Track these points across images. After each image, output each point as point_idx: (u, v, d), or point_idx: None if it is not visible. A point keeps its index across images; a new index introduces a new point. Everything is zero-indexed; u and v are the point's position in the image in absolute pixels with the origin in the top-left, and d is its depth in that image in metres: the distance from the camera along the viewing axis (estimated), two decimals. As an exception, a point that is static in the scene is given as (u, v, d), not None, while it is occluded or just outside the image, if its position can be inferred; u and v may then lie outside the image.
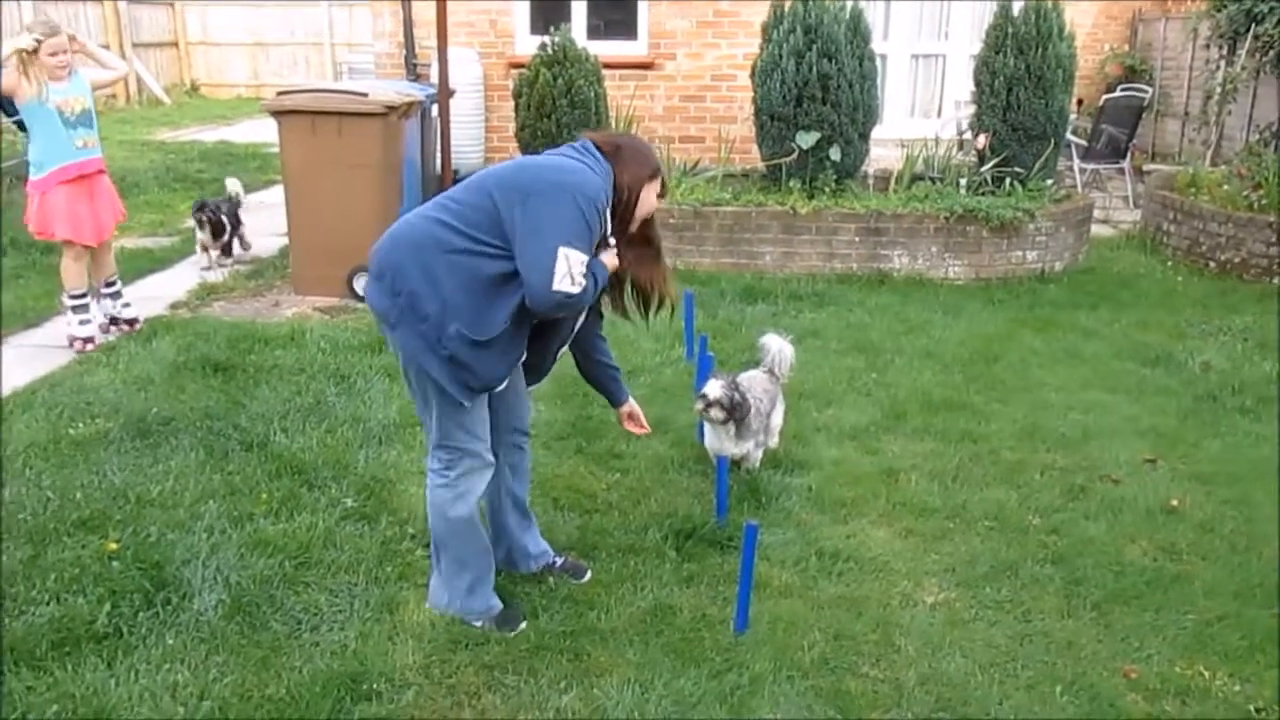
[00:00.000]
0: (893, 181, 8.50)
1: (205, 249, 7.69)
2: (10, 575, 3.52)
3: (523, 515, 3.65)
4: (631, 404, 3.74)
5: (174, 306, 6.89)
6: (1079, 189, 10.09)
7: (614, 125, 8.52)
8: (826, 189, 8.04)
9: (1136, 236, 9.35)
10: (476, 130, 10.19)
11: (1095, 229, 8.92)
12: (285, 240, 7.60)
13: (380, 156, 6.79)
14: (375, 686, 3.07)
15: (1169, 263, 8.58)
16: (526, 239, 2.94)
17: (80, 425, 4.74)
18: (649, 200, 3.27)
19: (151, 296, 7.08)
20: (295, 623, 3.36)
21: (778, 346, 4.67)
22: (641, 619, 3.47)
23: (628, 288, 3.42)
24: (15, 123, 7.22)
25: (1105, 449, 4.88)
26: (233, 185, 8.29)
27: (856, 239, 7.84)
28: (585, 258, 2.99)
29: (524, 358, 3.28)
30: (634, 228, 3.29)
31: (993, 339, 6.51)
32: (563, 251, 2.92)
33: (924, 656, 3.33)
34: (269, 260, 8.02)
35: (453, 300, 2.99)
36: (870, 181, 8.65)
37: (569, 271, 2.92)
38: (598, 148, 3.19)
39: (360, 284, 6.68)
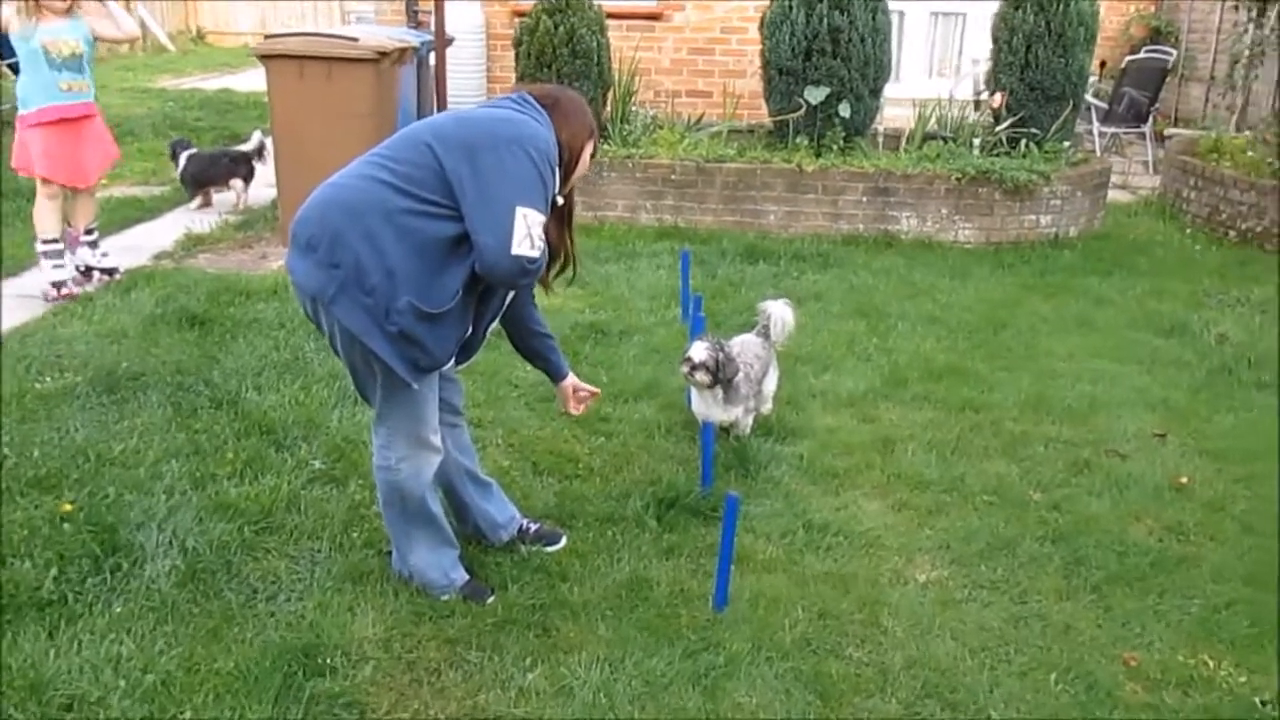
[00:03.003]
0: (904, 141, 8.23)
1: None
2: (-42, 534, 3.38)
3: (480, 485, 3.45)
4: (573, 378, 3.50)
5: (158, 257, 6.71)
6: (1097, 153, 9.79)
7: (617, 78, 8.25)
8: (834, 147, 7.78)
9: (1155, 203, 9.06)
10: (477, 80, 9.94)
11: (1113, 194, 8.63)
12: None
13: (372, 105, 6.56)
14: (330, 660, 2.91)
15: (1187, 230, 8.30)
16: (479, 199, 2.71)
17: (48, 379, 4.58)
18: (585, 160, 3.06)
19: (136, 246, 6.90)
20: (251, 591, 3.20)
21: (778, 311, 4.46)
22: (616, 592, 3.30)
23: None
24: (10, 65, 7.05)
25: (1113, 422, 4.67)
26: (257, 138, 8.06)
27: (864, 199, 7.60)
28: (543, 217, 2.77)
29: (470, 330, 3.03)
30: (567, 188, 3.05)
31: (1001, 305, 6.28)
32: (520, 211, 2.69)
33: (912, 638, 3.15)
34: (260, 211, 7.82)
35: (402, 269, 2.74)
36: (880, 140, 8.38)
37: (529, 233, 2.70)
38: (536, 100, 2.95)
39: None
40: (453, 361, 3.14)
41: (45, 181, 5.77)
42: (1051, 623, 3.24)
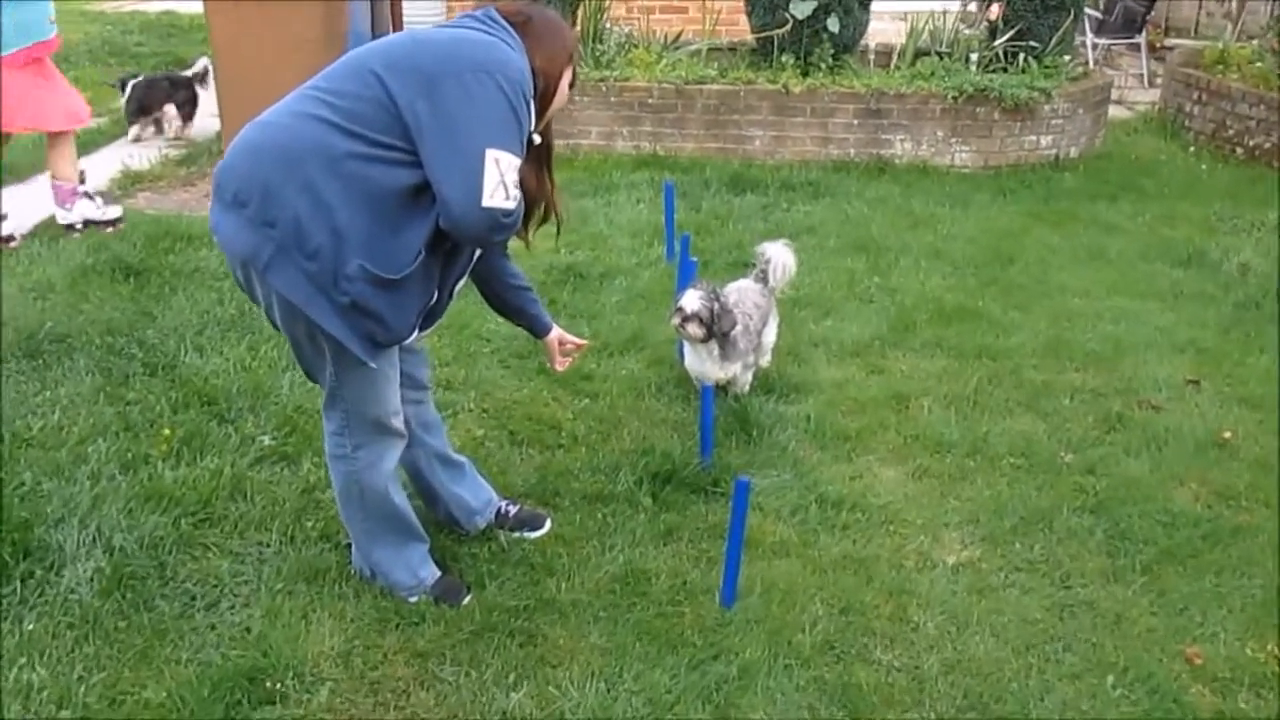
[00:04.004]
0: (894, 57, 7.69)
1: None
2: None
3: (450, 467, 3.02)
4: (558, 330, 3.06)
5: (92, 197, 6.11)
6: (1089, 65, 9.30)
7: (587, -9, 7.63)
8: (823, 65, 7.24)
9: (1155, 119, 8.62)
10: (436, 8, 9.24)
11: (1111, 111, 8.18)
12: (221, 122, 6.80)
13: (319, 30, 5.98)
14: (280, 685, 2.50)
15: (1191, 148, 7.88)
16: (440, 141, 2.23)
17: (-40, 342, 4.07)
18: (564, 88, 2.56)
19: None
20: (188, 599, 2.77)
21: (777, 254, 4.01)
22: (609, 588, 2.90)
23: None
24: None
25: (1140, 367, 4.29)
26: (202, 63, 7.40)
27: (855, 122, 7.10)
28: (518, 160, 2.29)
29: (435, 296, 2.55)
30: (543, 124, 2.57)
31: (1006, 235, 5.86)
32: (491, 155, 2.21)
33: (946, 636, 2.78)
34: (205, 145, 7.21)
35: (350, 227, 2.26)
36: (871, 58, 7.84)
37: (501, 180, 2.23)
38: (505, 18, 2.44)
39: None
40: (416, 330, 2.68)
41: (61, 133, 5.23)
42: (1101, 611, 2.88)
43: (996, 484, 3.45)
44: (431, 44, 2.32)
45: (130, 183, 6.35)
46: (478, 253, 2.64)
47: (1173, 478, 3.50)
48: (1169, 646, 2.76)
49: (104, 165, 6.70)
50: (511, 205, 2.27)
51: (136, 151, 6.86)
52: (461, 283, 2.72)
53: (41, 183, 6.26)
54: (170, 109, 7.19)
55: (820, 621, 2.80)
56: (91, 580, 2.77)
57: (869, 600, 2.89)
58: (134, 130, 7.25)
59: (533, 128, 2.44)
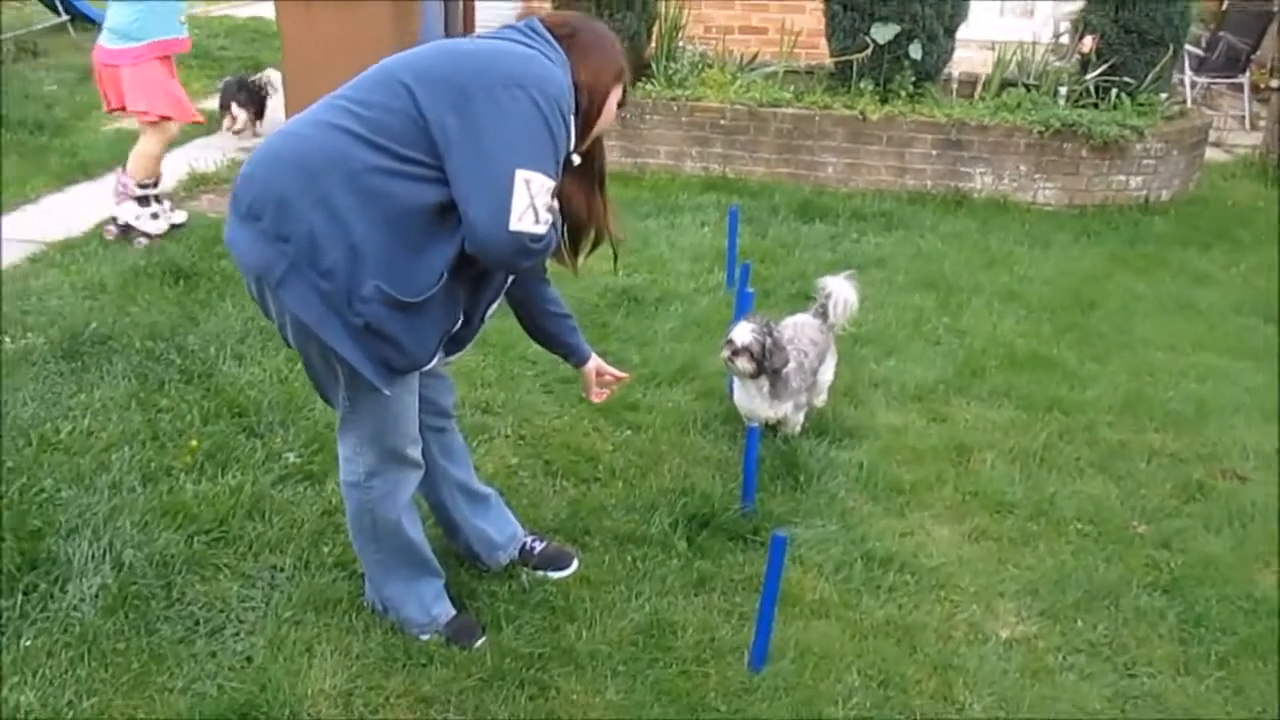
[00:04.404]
0: (979, 87, 7.42)
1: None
2: None
3: (474, 499, 2.87)
4: (596, 360, 2.90)
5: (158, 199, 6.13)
6: (1187, 104, 8.90)
7: (664, 9, 7.50)
8: (903, 93, 7.00)
9: (1256, 163, 8.19)
10: (510, 10, 9.19)
11: (1207, 153, 7.79)
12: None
13: (391, 39, 5.91)
14: (274, 723, 2.37)
15: (1293, 195, 7.47)
16: (468, 159, 2.09)
17: (7, 340, 4.05)
18: (612, 107, 2.40)
19: (136, 184, 6.32)
20: (192, 623, 2.66)
21: (839, 290, 3.81)
22: (632, 639, 2.72)
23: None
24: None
25: (1226, 431, 3.98)
26: (270, 75, 7.49)
27: (933, 152, 6.84)
28: (551, 183, 2.14)
29: (460, 321, 2.42)
30: (586, 145, 2.42)
31: (1088, 279, 5.56)
32: (521, 175, 2.06)
33: (994, 720, 2.55)
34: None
35: (368, 245, 2.13)
36: (954, 87, 7.57)
37: (531, 203, 2.07)
38: (549, 30, 2.29)
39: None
40: (440, 355, 2.54)
41: (161, 124, 5.20)
42: (1168, 706, 2.62)
43: (1060, 552, 3.20)
44: (465, 55, 2.18)
45: (195, 184, 6.36)
46: (511, 276, 2.49)
47: (1257, 558, 3.21)
48: (1245, 752, 2.50)
49: (171, 168, 6.71)
50: (542, 230, 2.12)
51: (202, 155, 6.88)
52: (495, 307, 2.58)
53: (110, 182, 6.32)
54: (239, 111, 7.25)
55: (855, 694, 2.58)
56: (96, 597, 2.67)
57: (911, 674, 2.67)
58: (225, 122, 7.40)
59: (573, 148, 2.29)
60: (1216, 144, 8.75)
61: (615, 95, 2.40)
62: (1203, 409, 4.14)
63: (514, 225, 2.07)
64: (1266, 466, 3.75)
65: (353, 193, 2.11)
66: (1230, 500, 3.50)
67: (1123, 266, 5.80)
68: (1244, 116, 9.53)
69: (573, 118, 2.26)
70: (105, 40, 5.05)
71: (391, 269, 2.15)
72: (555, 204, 2.34)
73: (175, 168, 6.68)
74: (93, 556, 2.79)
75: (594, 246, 2.63)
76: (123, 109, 5.18)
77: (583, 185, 2.50)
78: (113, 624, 2.60)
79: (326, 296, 2.15)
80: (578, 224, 2.55)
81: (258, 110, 7.34)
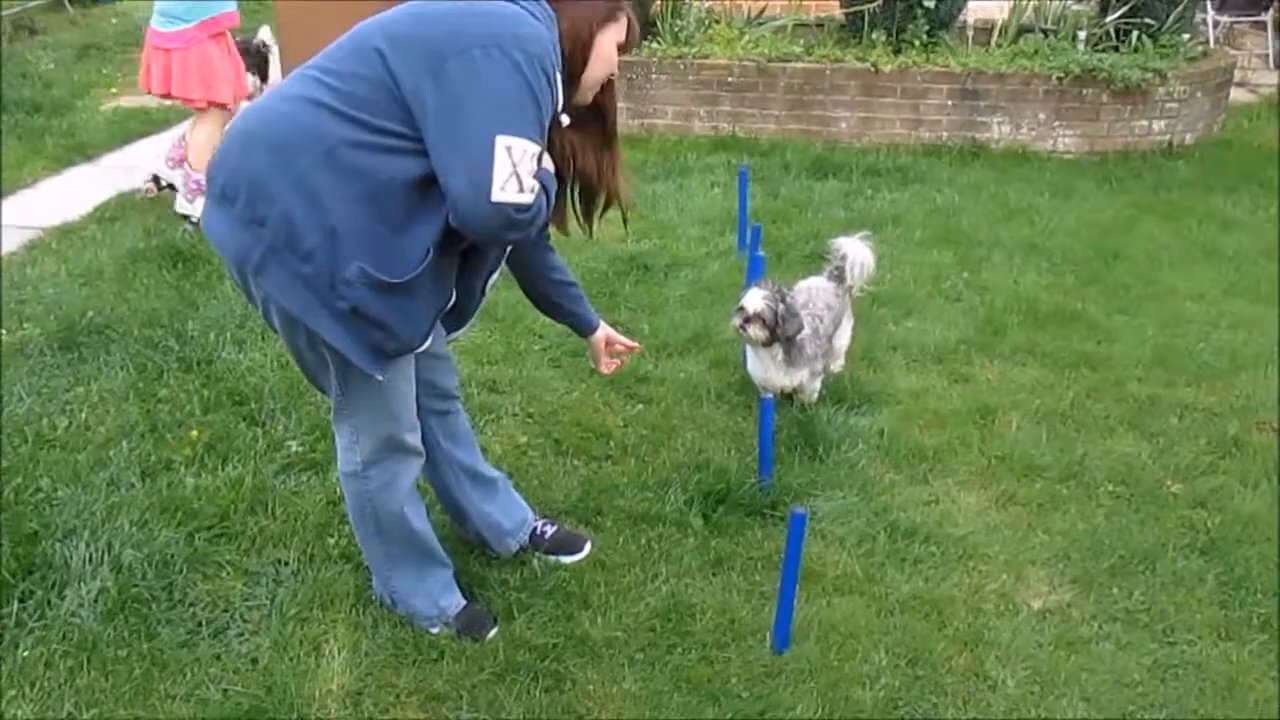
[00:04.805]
0: (995, 34, 7.20)
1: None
2: None
3: (481, 484, 2.75)
4: (605, 329, 2.77)
5: (158, 179, 6.03)
6: (1209, 45, 8.63)
7: (666, -35, 7.30)
8: (916, 42, 6.80)
9: (1281, 102, 7.96)
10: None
11: (1231, 94, 7.55)
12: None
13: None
14: (281, 727, 2.29)
15: (1321, 134, 7.24)
16: (445, 127, 1.95)
17: (4, 333, 3.96)
18: (605, 53, 2.23)
19: (135, 166, 6.21)
20: (194, 624, 2.57)
21: (855, 252, 3.67)
22: (649, 624, 2.62)
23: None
24: None
25: (1259, 383, 3.84)
26: (264, 34, 7.31)
27: (949, 103, 6.65)
28: (536, 149, 2.00)
29: (453, 299, 2.31)
30: (586, 96, 2.27)
31: (1111, 229, 5.39)
32: (502, 142, 1.93)
33: (1029, 698, 2.44)
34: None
35: (349, 225, 2.01)
36: (969, 34, 7.35)
37: (514, 171, 1.94)
38: None
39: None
40: (439, 332, 2.43)
41: (212, 111, 5.07)
42: (1211, 674, 2.51)
43: (1092, 516, 3.08)
44: (441, 16, 2.02)
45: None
46: (509, 247, 2.37)
47: (1298, 515, 3.08)
48: (1292, 722, 2.38)
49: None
50: (527, 199, 1.99)
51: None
52: (495, 278, 2.47)
53: (108, 163, 6.23)
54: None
55: (884, 674, 2.48)
56: (95, 601, 2.59)
57: (940, 650, 2.56)
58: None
59: (561, 106, 2.15)
60: (1240, 84, 8.49)
61: (607, 38, 2.22)
62: (1235, 360, 3.99)
63: (496, 196, 1.94)
64: (1304, 418, 3.61)
65: (329, 170, 1.99)
66: (1266, 455, 3.37)
67: (1147, 214, 5.62)
68: (1268, 55, 9.24)
69: (559, 74, 2.11)
70: (156, 23, 4.90)
71: (375, 249, 2.03)
72: (551, 168, 2.23)
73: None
74: (91, 559, 2.71)
75: (605, 209, 2.50)
76: (168, 94, 5.05)
77: (592, 141, 2.36)
78: (113, 629, 2.52)
79: (308, 281, 2.03)
80: (589, 184, 2.42)
81: (263, 73, 7.18)
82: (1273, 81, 8.62)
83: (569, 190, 2.41)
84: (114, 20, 10.68)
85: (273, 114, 2.06)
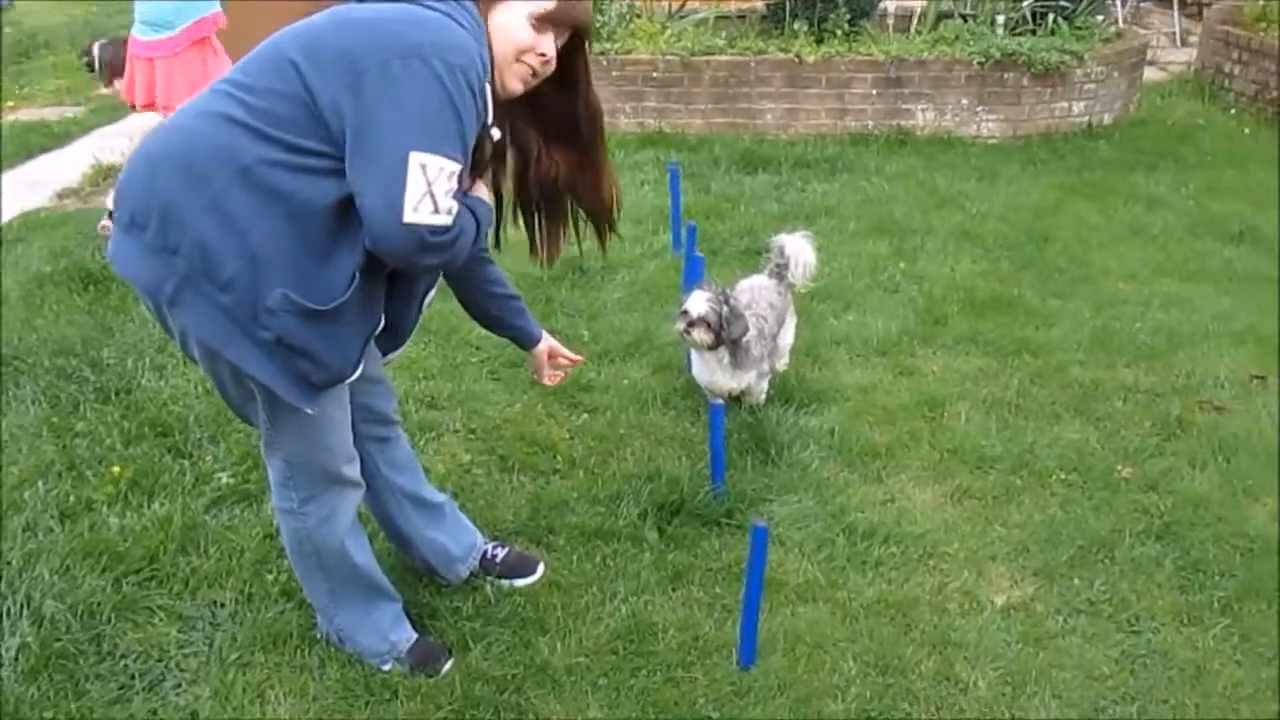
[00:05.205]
0: (915, 21, 7.24)
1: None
2: None
3: (425, 510, 2.62)
4: (549, 340, 2.67)
5: (62, 195, 5.79)
6: (1119, 24, 8.80)
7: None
8: (838, 31, 6.80)
9: (1191, 80, 8.16)
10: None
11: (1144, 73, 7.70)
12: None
13: None
14: (227, 785, 2.15)
15: (1231, 111, 7.44)
16: (360, 142, 1.82)
17: (-100, 370, 3.72)
18: (503, 25, 2.01)
19: (37, 182, 5.97)
20: (127, 678, 2.41)
21: (797, 251, 3.61)
22: (611, 647, 2.52)
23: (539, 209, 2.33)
24: None
25: (1198, 360, 3.88)
26: None
27: (873, 92, 6.66)
28: (455, 167, 1.86)
29: (381, 323, 2.17)
30: (510, 86, 2.06)
31: (1040, 212, 5.44)
32: (416, 159, 1.80)
33: (1001, 699, 2.40)
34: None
35: (269, 250, 1.87)
36: (890, 23, 7.38)
37: (429, 191, 1.81)
38: None
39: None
40: (374, 355, 2.30)
41: None
42: (1178, 662, 2.49)
43: (1047, 506, 3.06)
44: (359, 25, 1.88)
45: (102, 177, 5.98)
46: None
47: (1245, 493, 3.10)
48: (1259, 706, 2.37)
49: (76, 160, 6.33)
50: (443, 220, 1.85)
51: (108, 145, 6.47)
52: (432, 294, 2.35)
53: (9, 179, 5.94)
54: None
55: (854, 684, 2.42)
56: (16, 659, 2.40)
57: (909, 655, 2.51)
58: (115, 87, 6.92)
59: (489, 121, 2.03)
60: (1151, 62, 8.68)
61: (504, 11, 2.02)
62: (1171, 339, 4.03)
63: (409, 217, 1.81)
64: (1243, 394, 3.65)
65: (246, 192, 1.85)
66: (1211, 434, 3.39)
67: (1073, 195, 5.68)
68: (1174, 33, 9.46)
69: (488, 83, 1.99)
70: (138, 31, 4.72)
71: (298, 274, 1.89)
72: (487, 191, 2.11)
73: (78, 160, 6.31)
74: (8, 613, 2.52)
75: (601, 226, 2.39)
76: (151, 105, 4.80)
77: (568, 156, 2.24)
78: (36, 689, 2.34)
79: (228, 311, 1.88)
80: (593, 205, 2.33)
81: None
82: (1180, 59, 8.82)
83: (533, 216, 2.30)
84: (7, 29, 10.22)
85: (183, 132, 1.91)
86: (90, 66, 6.67)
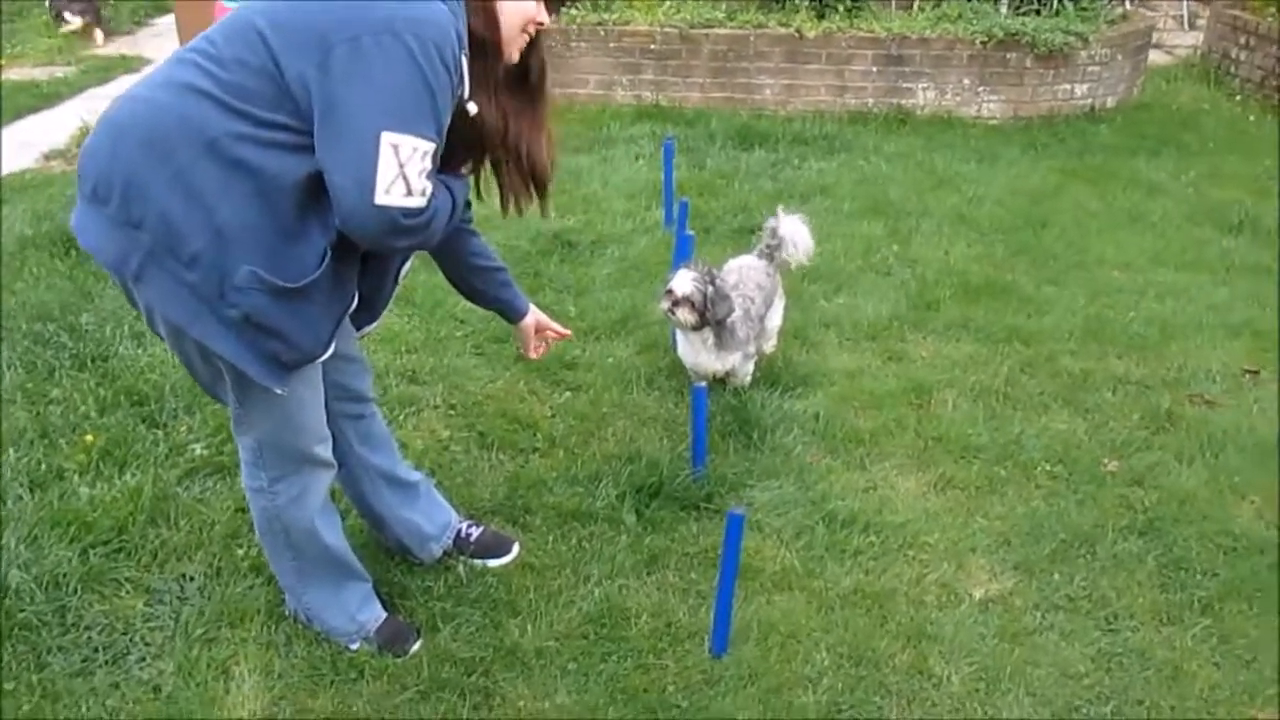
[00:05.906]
0: (918, -2, 7.14)
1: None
2: None
3: (400, 489, 2.58)
4: (535, 314, 2.61)
5: (49, 157, 5.72)
6: (1127, 7, 8.68)
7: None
8: (840, 7, 6.70)
9: (1197, 65, 8.07)
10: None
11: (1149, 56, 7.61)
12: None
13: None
14: (186, 765, 2.12)
15: (1237, 97, 7.36)
16: (329, 121, 1.76)
17: (-125, 331, 3.67)
18: (528, 9, 2.00)
19: (25, 143, 5.89)
20: (90, 650, 2.38)
21: (793, 233, 3.55)
22: (582, 631, 2.49)
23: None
24: None
25: (1191, 353, 3.83)
26: None
27: (874, 69, 6.57)
28: (429, 146, 1.81)
29: (355, 301, 2.12)
30: (511, 53, 2.03)
31: (1039, 196, 5.37)
32: (388, 139, 1.73)
33: (974, 695, 2.37)
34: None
35: (236, 225, 1.81)
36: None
37: (401, 172, 1.75)
38: None
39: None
40: (347, 330, 2.26)
41: None
42: (1155, 662, 2.46)
43: (1030, 498, 3.03)
44: None
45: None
46: None
47: (1232, 491, 3.06)
48: (1236, 709, 2.35)
49: (65, 121, 6.25)
50: (416, 202, 1.80)
51: (97, 107, 6.38)
52: (408, 265, 2.30)
53: (5, 134, 5.87)
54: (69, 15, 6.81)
55: (826, 675, 2.39)
56: (-22, 630, 2.38)
57: (883, 647, 2.48)
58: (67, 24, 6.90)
59: (467, 94, 1.96)
60: (1157, 46, 8.57)
61: None
62: (1165, 330, 3.98)
63: (380, 199, 1.75)
64: (1235, 389, 3.61)
65: (212, 166, 1.79)
66: (1200, 428, 3.35)
67: (1072, 180, 5.62)
68: (1182, 16, 9.34)
69: (465, 59, 1.92)
70: None
71: (267, 250, 1.84)
72: (468, 176, 2.06)
73: (66, 121, 6.23)
74: (-28, 582, 2.49)
75: (538, 191, 2.28)
76: None
77: (523, 110, 2.13)
78: (-1, 661, 2.32)
79: (194, 288, 1.83)
80: (518, 158, 2.17)
81: (95, 15, 6.82)
82: (1187, 42, 8.71)
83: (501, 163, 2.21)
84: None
85: (147, 104, 1.85)
86: (57, 16, 6.63)
